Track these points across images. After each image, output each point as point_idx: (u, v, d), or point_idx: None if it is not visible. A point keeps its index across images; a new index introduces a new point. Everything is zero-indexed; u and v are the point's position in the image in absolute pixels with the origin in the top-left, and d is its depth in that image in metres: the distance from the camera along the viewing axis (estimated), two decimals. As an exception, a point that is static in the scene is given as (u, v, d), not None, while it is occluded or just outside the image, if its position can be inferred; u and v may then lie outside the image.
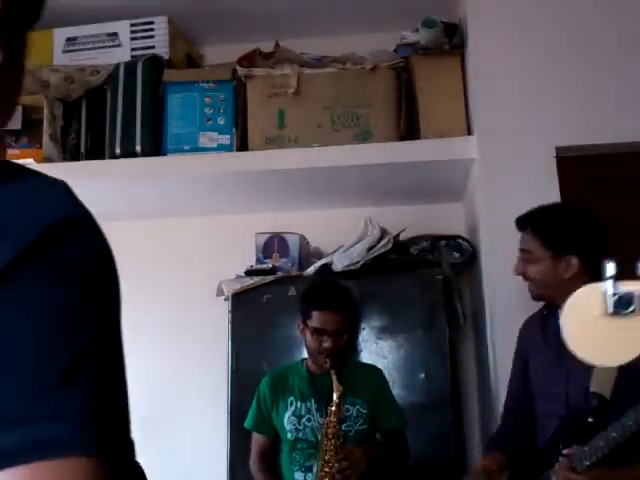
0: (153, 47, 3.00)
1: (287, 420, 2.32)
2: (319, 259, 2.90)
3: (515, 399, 2.11)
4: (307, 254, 3.04)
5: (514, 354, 2.15)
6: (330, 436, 2.19)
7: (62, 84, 2.91)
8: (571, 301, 0.62)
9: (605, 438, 1.64)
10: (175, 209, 3.27)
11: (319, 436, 2.25)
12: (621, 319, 0.58)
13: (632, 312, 0.58)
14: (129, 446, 0.58)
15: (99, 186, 2.80)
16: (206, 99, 2.88)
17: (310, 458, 2.28)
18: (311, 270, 2.81)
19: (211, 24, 3.14)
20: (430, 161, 2.70)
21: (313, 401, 2.31)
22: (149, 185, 2.95)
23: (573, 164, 2.53)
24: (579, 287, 1.78)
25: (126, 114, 2.87)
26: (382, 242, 2.77)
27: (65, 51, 3.04)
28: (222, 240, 3.27)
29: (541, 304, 2.16)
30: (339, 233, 2.97)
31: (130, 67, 2.92)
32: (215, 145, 2.84)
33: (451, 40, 2.78)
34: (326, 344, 2.26)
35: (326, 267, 2.78)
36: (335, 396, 2.20)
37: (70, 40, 3.05)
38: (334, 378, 2.20)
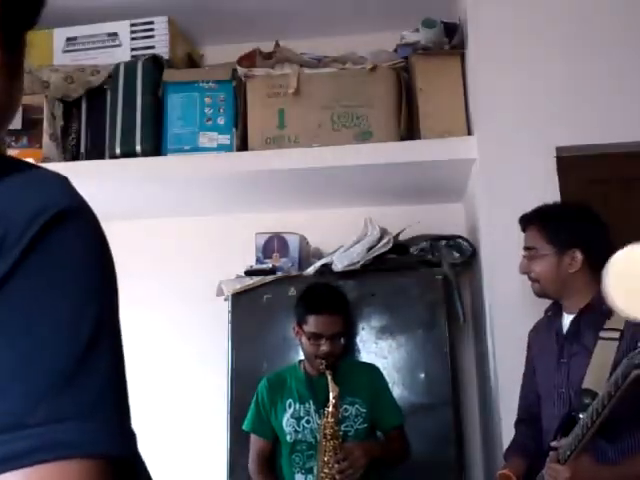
0: (153, 47, 3.00)
1: (286, 422, 2.31)
2: (319, 259, 2.90)
3: (528, 407, 2.11)
4: (307, 254, 3.04)
5: (525, 363, 2.15)
6: (329, 437, 2.19)
7: (62, 84, 2.91)
8: (614, 261, 0.64)
9: (581, 425, 1.66)
10: (175, 209, 3.27)
11: (318, 437, 2.24)
12: None
13: None
14: (133, 439, 0.58)
15: (99, 186, 2.80)
16: (206, 99, 2.88)
17: (310, 460, 2.28)
18: (311, 270, 2.81)
19: (211, 24, 3.14)
20: (430, 161, 2.70)
21: (311, 402, 2.31)
22: (149, 185, 2.95)
23: (573, 164, 2.53)
24: (583, 282, 1.78)
25: (126, 114, 2.87)
26: (382, 242, 2.77)
27: (65, 51, 3.04)
28: (222, 240, 3.27)
29: (540, 304, 2.16)
30: (339, 233, 2.97)
31: (130, 67, 2.92)
32: (215, 145, 2.84)
33: (451, 40, 2.78)
34: (323, 348, 2.25)
35: (326, 267, 2.78)
36: (331, 396, 2.19)
37: (70, 40, 3.05)
38: (330, 379, 2.19)
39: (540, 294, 2.04)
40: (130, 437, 0.58)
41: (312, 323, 2.27)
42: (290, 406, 2.33)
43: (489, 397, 2.64)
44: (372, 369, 2.47)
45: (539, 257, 1.98)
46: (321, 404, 2.26)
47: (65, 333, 0.55)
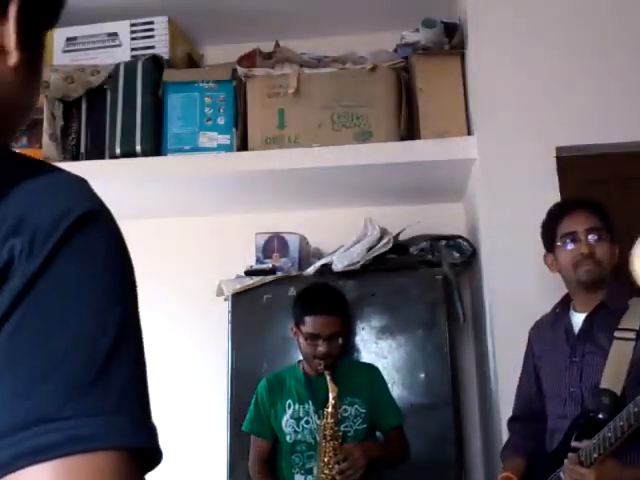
0: (153, 47, 3.00)
1: (285, 423, 2.31)
2: (319, 259, 2.90)
3: (528, 404, 2.09)
4: (307, 254, 3.04)
5: (524, 359, 2.13)
6: (328, 437, 2.18)
7: (62, 84, 2.91)
8: None
9: (612, 428, 1.63)
10: (175, 209, 3.27)
11: (318, 438, 2.24)
12: None
13: None
14: (156, 433, 0.59)
15: (99, 186, 2.78)
16: (206, 99, 2.88)
17: (310, 460, 2.27)
18: (311, 270, 2.80)
19: (211, 24, 3.14)
20: (430, 161, 2.70)
21: (311, 403, 2.30)
22: (149, 185, 2.95)
23: (573, 164, 2.53)
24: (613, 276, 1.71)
25: (126, 114, 2.87)
26: (382, 242, 2.77)
27: (65, 51, 3.04)
28: (222, 240, 3.27)
29: (540, 304, 2.16)
30: (339, 233, 2.97)
31: (130, 67, 2.92)
32: (215, 145, 2.84)
33: (451, 40, 2.78)
34: (321, 348, 2.24)
35: (326, 267, 2.78)
36: (331, 397, 2.18)
37: (70, 40, 3.05)
38: (328, 379, 2.19)
39: (596, 280, 1.94)
40: (153, 431, 0.59)
41: (309, 324, 2.27)
42: (289, 407, 2.32)
43: (489, 397, 2.64)
44: (371, 369, 2.46)
45: (605, 240, 1.95)
46: (320, 404, 2.26)
47: (91, 334, 0.56)
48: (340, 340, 2.31)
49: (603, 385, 1.75)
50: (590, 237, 1.94)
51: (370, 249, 2.76)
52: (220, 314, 2.87)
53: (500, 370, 2.42)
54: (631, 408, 1.58)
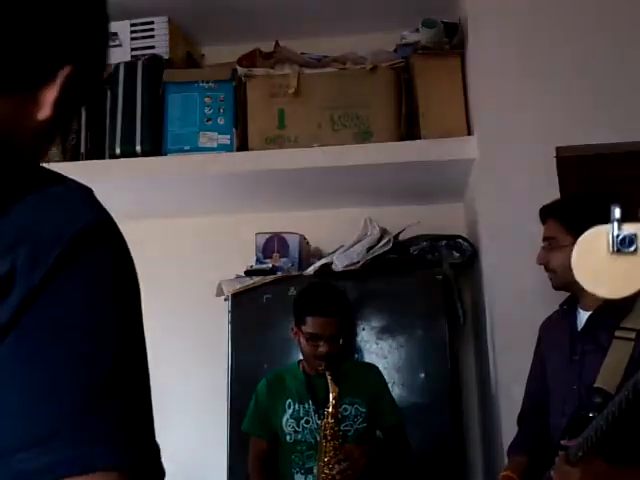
0: (153, 47, 3.00)
1: (285, 422, 2.31)
2: (319, 259, 2.90)
3: (535, 399, 2.09)
4: (307, 254, 3.04)
5: (533, 355, 2.13)
6: (329, 438, 2.18)
7: (62, 84, 2.90)
8: (581, 240, 0.68)
9: (594, 428, 1.64)
10: (175, 209, 3.27)
11: (318, 437, 2.24)
12: (624, 256, 0.66)
13: (634, 251, 0.65)
14: (158, 453, 0.59)
15: (99, 186, 2.78)
16: (206, 99, 2.88)
17: (310, 460, 2.27)
18: (311, 270, 2.80)
19: (211, 24, 3.14)
20: (430, 161, 2.70)
21: (310, 403, 2.30)
22: (149, 185, 2.95)
23: (573, 164, 2.53)
24: None
25: (126, 114, 2.87)
26: (382, 242, 2.77)
27: (65, 51, 3.04)
28: (222, 240, 3.26)
29: (541, 304, 2.16)
30: (339, 233, 2.97)
31: (130, 67, 2.92)
32: (215, 145, 2.84)
33: (451, 40, 2.78)
34: (322, 349, 2.24)
35: (326, 267, 2.78)
36: (331, 397, 2.18)
37: (70, 40, 3.05)
38: (329, 379, 2.19)
39: (558, 286, 1.99)
40: (155, 450, 0.59)
41: (310, 324, 2.26)
42: (289, 406, 2.32)
43: (489, 397, 2.64)
44: (371, 368, 2.46)
45: (558, 248, 1.94)
46: (320, 404, 2.26)
47: (92, 354, 0.55)
48: (341, 341, 2.30)
49: (598, 384, 1.75)
50: (542, 246, 2.00)
51: (370, 249, 2.76)
52: (220, 314, 2.87)
53: (500, 370, 2.42)
54: (610, 408, 1.58)
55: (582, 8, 2.60)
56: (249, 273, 2.89)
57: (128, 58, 2.98)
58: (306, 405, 2.31)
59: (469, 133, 2.73)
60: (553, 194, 2.39)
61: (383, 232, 2.81)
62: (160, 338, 3.24)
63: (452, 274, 2.81)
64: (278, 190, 3.03)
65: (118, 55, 2.99)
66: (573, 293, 2.00)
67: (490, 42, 2.64)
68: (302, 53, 2.97)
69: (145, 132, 2.85)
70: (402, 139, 2.77)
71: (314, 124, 2.80)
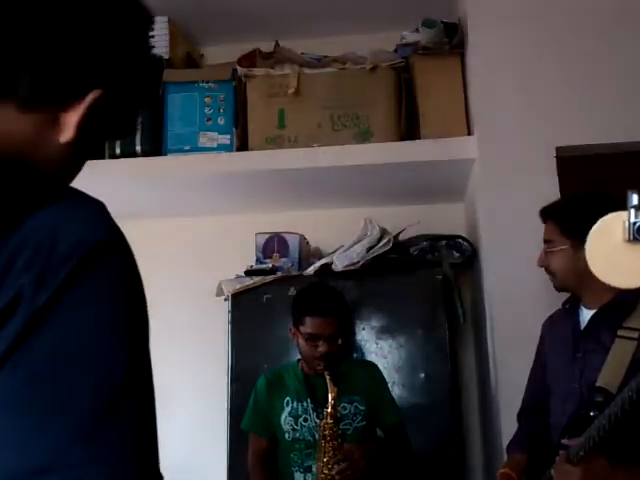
0: (153, 47, 2.99)
1: (284, 421, 2.31)
2: (319, 259, 2.90)
3: (534, 396, 2.09)
4: (307, 254, 3.04)
5: (535, 354, 2.12)
6: (328, 437, 2.18)
7: (62, 84, 2.90)
8: (596, 227, 0.66)
9: (596, 427, 1.63)
10: (175, 209, 3.27)
11: (317, 436, 2.24)
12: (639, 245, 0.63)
13: None
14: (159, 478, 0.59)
15: (99, 186, 2.79)
16: (206, 99, 2.88)
17: (308, 458, 2.27)
18: (311, 270, 2.80)
19: (211, 24, 3.14)
20: (430, 161, 2.69)
21: (309, 401, 2.30)
22: (149, 185, 2.95)
23: (573, 164, 2.53)
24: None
25: (126, 114, 2.87)
26: (382, 242, 2.77)
27: (65, 51, 3.04)
28: (222, 240, 3.27)
29: (541, 304, 2.16)
30: (339, 233, 2.97)
31: (130, 67, 2.91)
32: (215, 145, 2.84)
33: (451, 40, 2.78)
34: (321, 349, 2.24)
35: (326, 267, 2.78)
36: (330, 397, 2.18)
37: (70, 40, 3.05)
38: (328, 379, 2.19)
39: (559, 288, 2.00)
40: (156, 476, 0.58)
41: (309, 324, 2.26)
42: (288, 404, 2.32)
43: (489, 397, 2.64)
44: (370, 367, 2.47)
45: (556, 251, 1.93)
46: (319, 403, 2.26)
47: (98, 375, 0.55)
48: (340, 341, 2.31)
49: (599, 383, 1.75)
50: (542, 249, 1.99)
51: (370, 249, 2.76)
52: (220, 314, 2.87)
53: (500, 370, 2.42)
54: (612, 407, 1.58)
55: (582, 8, 2.60)
56: (249, 273, 2.89)
57: (128, 58, 2.97)
58: (304, 403, 2.31)
59: (469, 133, 2.73)
60: (553, 194, 2.39)
61: (383, 232, 2.81)
62: (160, 338, 3.25)
63: (452, 274, 2.81)
64: (278, 190, 3.03)
65: (118, 55, 2.99)
66: (575, 294, 2.00)
67: (490, 42, 2.64)
68: (302, 53, 2.97)
69: (145, 132, 2.85)
70: (402, 139, 2.77)
71: (314, 124, 2.80)
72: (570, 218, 1.92)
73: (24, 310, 0.53)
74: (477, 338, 2.96)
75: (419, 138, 2.74)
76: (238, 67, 2.90)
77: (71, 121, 0.66)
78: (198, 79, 2.91)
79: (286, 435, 2.30)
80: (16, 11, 0.63)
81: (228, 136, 2.84)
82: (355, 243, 2.79)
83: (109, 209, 0.63)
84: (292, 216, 3.20)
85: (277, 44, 2.98)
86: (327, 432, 2.18)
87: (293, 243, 2.97)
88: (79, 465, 0.52)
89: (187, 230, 3.35)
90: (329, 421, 2.18)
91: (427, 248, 2.87)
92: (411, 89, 2.83)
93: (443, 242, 2.89)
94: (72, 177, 0.74)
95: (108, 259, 0.58)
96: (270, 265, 2.90)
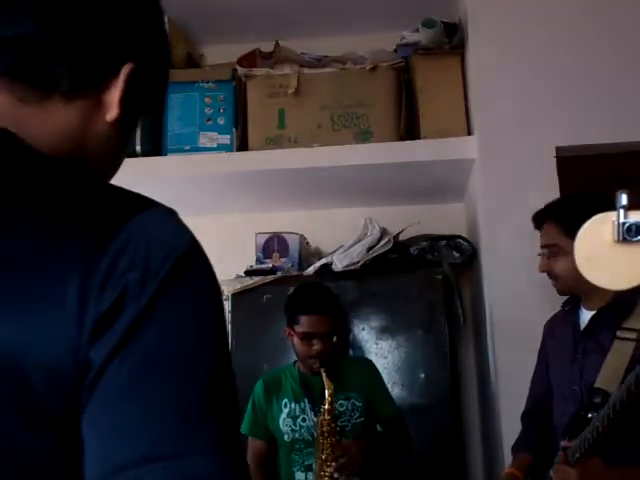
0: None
1: (282, 422, 2.32)
2: (319, 259, 2.90)
3: (536, 399, 2.09)
4: (307, 254, 3.04)
5: (538, 355, 2.12)
6: (326, 434, 2.20)
7: (62, 84, 2.91)
8: (585, 227, 0.66)
9: (591, 429, 1.64)
10: (175, 209, 3.26)
11: (315, 435, 2.25)
12: (629, 246, 0.63)
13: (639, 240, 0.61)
14: (247, 469, 0.62)
15: (99, 186, 2.80)
16: (206, 99, 2.88)
17: (309, 457, 2.28)
18: (311, 270, 2.81)
19: (211, 24, 3.14)
20: (430, 161, 2.70)
21: (306, 401, 2.31)
22: (149, 185, 2.94)
23: (573, 164, 2.53)
24: None
25: (126, 114, 2.87)
26: (382, 242, 2.77)
27: (65, 51, 3.04)
28: (222, 240, 3.26)
29: (541, 304, 2.16)
30: (339, 233, 2.97)
31: (130, 67, 2.92)
32: (215, 145, 2.84)
33: (451, 40, 2.78)
34: (316, 347, 2.25)
35: (326, 267, 2.78)
36: (327, 394, 2.20)
37: (70, 40, 3.05)
38: (324, 376, 2.20)
39: (563, 292, 1.97)
40: (247, 469, 0.61)
41: (304, 323, 2.27)
42: (286, 406, 2.33)
43: (489, 397, 2.64)
44: (365, 363, 2.48)
45: (561, 253, 1.88)
46: (316, 402, 2.27)
47: (196, 370, 0.58)
48: (334, 338, 2.32)
49: (598, 384, 1.75)
50: (540, 253, 1.97)
51: (370, 249, 2.76)
52: (220, 314, 2.87)
53: (500, 370, 2.42)
54: (605, 409, 1.58)
55: (582, 8, 2.60)
56: (249, 273, 2.89)
57: (128, 58, 2.98)
58: (302, 403, 2.32)
59: (469, 133, 2.73)
60: (553, 194, 2.39)
61: (383, 232, 2.81)
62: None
63: (452, 274, 2.81)
64: (278, 190, 3.03)
65: (118, 55, 2.99)
66: (576, 295, 1.99)
67: (490, 42, 2.64)
68: (302, 53, 2.97)
69: (145, 132, 2.85)
70: (402, 139, 2.77)
71: (314, 124, 2.80)
72: (574, 219, 1.88)
73: (134, 304, 0.56)
74: (477, 338, 2.96)
75: (419, 138, 2.74)
76: (238, 67, 2.90)
77: (114, 98, 0.69)
78: (198, 79, 2.91)
79: (285, 437, 2.31)
80: (43, 5, 0.65)
81: (228, 136, 2.85)
82: (355, 243, 2.79)
83: (199, 241, 0.66)
84: (292, 216, 3.20)
85: (277, 44, 2.98)
86: (325, 429, 2.20)
87: (293, 243, 2.97)
88: (186, 454, 0.55)
89: (187, 230, 3.35)
90: (326, 418, 2.20)
91: (427, 248, 2.87)
92: (411, 89, 2.84)
93: (443, 242, 2.89)
94: (117, 167, 0.80)
95: (193, 267, 0.61)
96: (270, 265, 2.90)
